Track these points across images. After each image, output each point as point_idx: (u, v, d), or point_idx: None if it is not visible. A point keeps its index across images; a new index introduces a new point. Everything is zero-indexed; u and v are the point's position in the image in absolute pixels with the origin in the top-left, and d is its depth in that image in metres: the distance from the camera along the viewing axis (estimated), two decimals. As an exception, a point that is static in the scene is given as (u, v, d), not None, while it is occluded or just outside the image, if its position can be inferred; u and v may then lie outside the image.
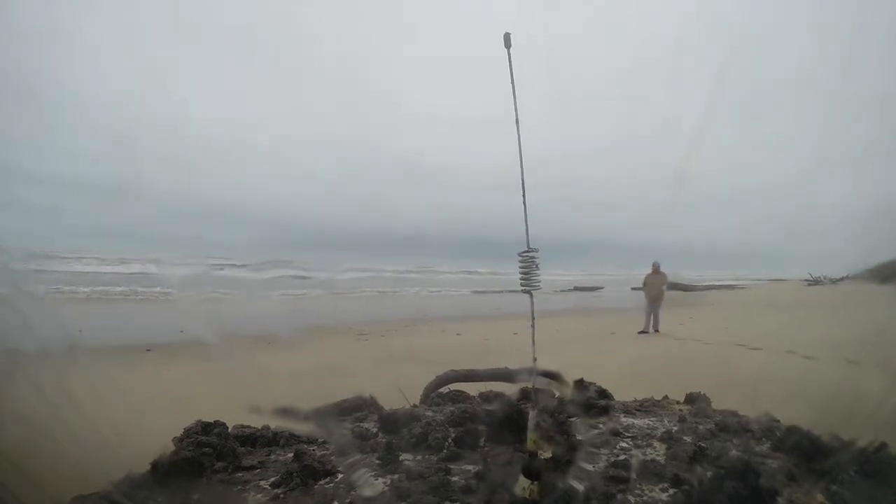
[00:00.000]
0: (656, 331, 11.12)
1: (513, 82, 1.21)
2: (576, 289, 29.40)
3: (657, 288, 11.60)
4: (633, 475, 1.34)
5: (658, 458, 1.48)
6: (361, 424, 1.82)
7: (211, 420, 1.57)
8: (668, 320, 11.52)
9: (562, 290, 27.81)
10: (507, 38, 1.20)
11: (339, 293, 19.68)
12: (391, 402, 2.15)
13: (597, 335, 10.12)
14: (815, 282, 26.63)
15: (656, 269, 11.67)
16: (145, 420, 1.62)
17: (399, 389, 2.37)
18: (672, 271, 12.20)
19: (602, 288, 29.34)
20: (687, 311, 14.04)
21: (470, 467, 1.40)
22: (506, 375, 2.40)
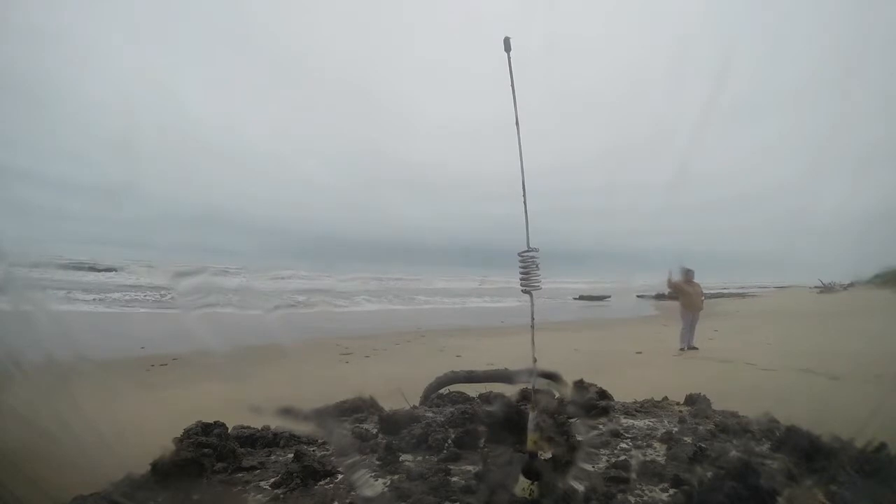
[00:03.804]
0: (693, 348, 9.81)
1: (513, 85, 1.22)
2: (581, 297, 29.26)
3: (697, 297, 10.16)
4: (634, 475, 1.34)
5: (658, 458, 1.48)
6: (361, 425, 1.82)
7: (211, 421, 1.57)
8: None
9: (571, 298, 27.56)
10: (506, 42, 1.21)
11: (334, 303, 19.32)
12: (391, 402, 2.15)
13: (622, 355, 8.62)
14: (827, 288, 26.28)
15: (691, 277, 10.29)
16: (143, 423, 1.61)
17: (399, 390, 2.37)
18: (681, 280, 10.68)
19: (609, 297, 29.11)
20: (708, 323, 11.66)
21: (470, 468, 1.40)
22: (505, 376, 2.40)
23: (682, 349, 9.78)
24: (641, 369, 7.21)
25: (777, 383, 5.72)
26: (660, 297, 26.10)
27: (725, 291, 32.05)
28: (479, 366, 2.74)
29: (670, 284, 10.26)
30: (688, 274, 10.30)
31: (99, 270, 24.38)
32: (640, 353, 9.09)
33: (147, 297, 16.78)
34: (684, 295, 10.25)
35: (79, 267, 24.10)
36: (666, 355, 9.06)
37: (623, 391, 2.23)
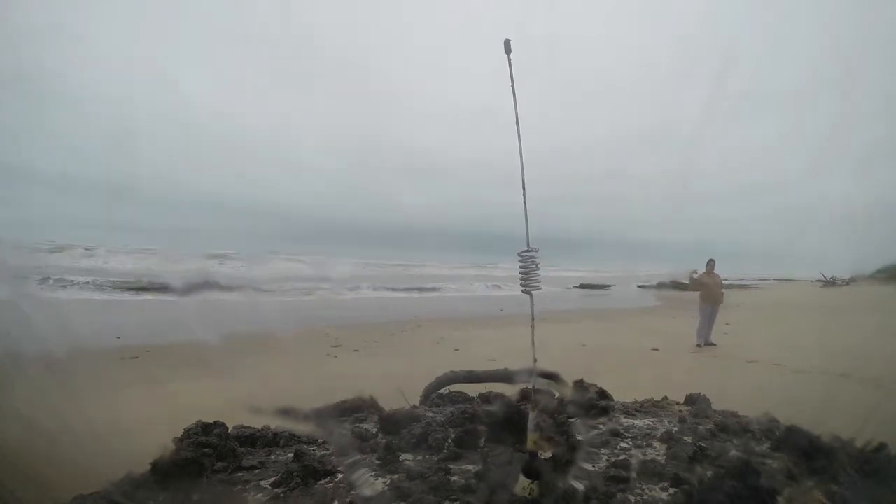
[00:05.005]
0: (710, 344, 9.37)
1: (513, 87, 1.21)
2: (582, 286, 29.18)
3: (717, 289, 9.78)
4: (634, 475, 1.34)
5: (658, 458, 1.48)
6: (361, 425, 1.82)
7: (211, 420, 1.57)
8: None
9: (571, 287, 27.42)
10: (507, 44, 1.19)
11: (330, 289, 18.97)
12: (391, 402, 2.15)
13: (634, 351, 8.05)
14: (830, 282, 26.23)
15: (712, 268, 9.88)
16: (144, 421, 1.61)
17: (399, 390, 2.37)
18: (683, 270, 10.37)
19: (610, 286, 28.98)
20: (717, 316, 10.79)
21: (470, 467, 1.40)
22: (506, 376, 2.40)
23: (698, 345, 9.40)
24: (659, 369, 6.73)
25: (816, 389, 5.03)
26: (661, 286, 26.03)
27: (726, 283, 32.03)
28: (478, 361, 2.73)
29: (690, 277, 9.91)
30: (709, 264, 9.95)
31: (93, 256, 24.42)
32: (656, 349, 8.55)
33: (138, 284, 16.74)
34: (703, 286, 9.80)
35: (66, 251, 24.09)
36: (683, 353, 8.63)
37: (644, 396, 2.16)
